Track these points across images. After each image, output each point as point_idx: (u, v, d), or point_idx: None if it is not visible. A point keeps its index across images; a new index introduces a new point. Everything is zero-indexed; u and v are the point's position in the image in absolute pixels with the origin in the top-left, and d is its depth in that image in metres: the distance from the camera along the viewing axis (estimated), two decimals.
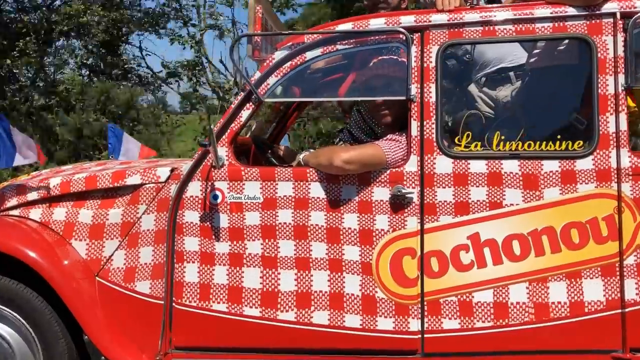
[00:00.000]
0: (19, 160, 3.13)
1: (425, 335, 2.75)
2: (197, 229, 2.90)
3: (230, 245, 2.88)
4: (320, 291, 2.81)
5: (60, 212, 3.07)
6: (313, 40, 2.88)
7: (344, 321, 2.78)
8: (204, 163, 2.92)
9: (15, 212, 3.16)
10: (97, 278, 2.98)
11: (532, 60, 2.97)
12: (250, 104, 2.92)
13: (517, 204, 2.74)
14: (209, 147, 2.74)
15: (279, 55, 2.92)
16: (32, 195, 3.13)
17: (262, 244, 2.85)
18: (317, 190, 2.83)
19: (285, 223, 2.84)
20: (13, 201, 3.17)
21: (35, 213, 3.11)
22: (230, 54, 2.93)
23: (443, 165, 2.76)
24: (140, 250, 2.96)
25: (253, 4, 2.96)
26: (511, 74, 3.20)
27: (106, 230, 3.00)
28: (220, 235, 2.89)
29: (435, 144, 2.77)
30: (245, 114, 2.92)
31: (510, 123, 2.88)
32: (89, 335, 2.84)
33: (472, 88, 3.12)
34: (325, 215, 2.82)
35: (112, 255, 2.98)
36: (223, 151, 2.90)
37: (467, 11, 2.82)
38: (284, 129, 3.98)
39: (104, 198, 3.05)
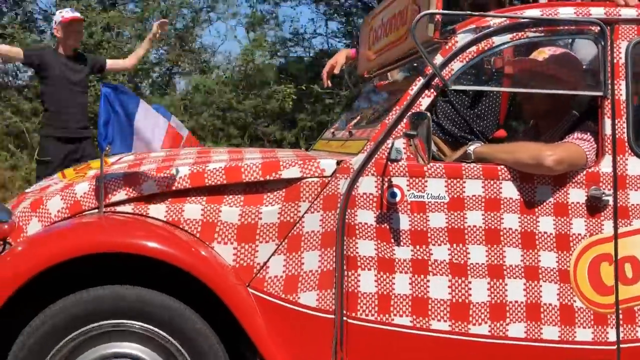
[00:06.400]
0: (138, 147, 2.52)
1: (621, 346, 2.60)
2: (373, 231, 2.52)
3: (412, 251, 2.53)
4: (516, 301, 2.55)
5: (193, 209, 2.52)
6: (500, 25, 2.63)
7: (542, 333, 2.55)
8: (377, 155, 2.55)
9: (125, 207, 2.55)
10: (248, 289, 2.49)
11: None
12: (432, 90, 2.60)
13: None
14: (416, 138, 2.38)
15: (462, 38, 2.62)
16: (149, 188, 2.55)
17: (449, 249, 2.54)
18: (509, 190, 2.58)
19: (475, 226, 2.55)
20: (120, 195, 2.55)
21: (157, 210, 2.53)
22: (412, 34, 2.56)
23: (635, 166, 2.63)
24: (303, 255, 2.51)
25: None
26: None
27: (259, 232, 2.51)
28: (401, 238, 2.53)
29: (627, 144, 2.63)
30: (425, 101, 2.60)
31: None
32: (263, 351, 2.35)
33: None
34: (519, 218, 2.57)
35: (268, 261, 2.50)
36: (401, 143, 2.56)
37: None
38: None
39: (247, 193, 2.56)
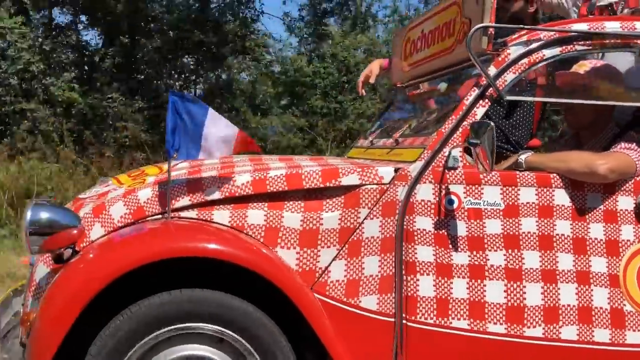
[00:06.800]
0: (206, 153, 2.56)
1: None
2: (431, 237, 2.60)
3: (469, 256, 2.61)
4: (568, 305, 2.64)
5: (256, 215, 2.58)
6: (550, 38, 2.72)
7: (593, 336, 2.64)
8: (434, 163, 2.63)
9: (189, 213, 2.60)
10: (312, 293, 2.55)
11: None
12: (486, 100, 2.68)
13: None
14: (479, 146, 2.45)
15: (515, 50, 2.71)
16: (212, 194, 2.60)
17: (505, 255, 2.62)
18: (561, 198, 2.66)
19: (529, 232, 2.64)
20: (184, 201, 2.60)
21: (221, 215, 2.59)
22: (468, 46, 2.65)
23: None
24: (363, 260, 2.58)
25: None
26: None
27: (321, 237, 2.57)
28: (458, 244, 2.61)
29: None
30: (479, 111, 2.68)
31: None
32: (332, 352, 2.41)
33: None
34: (571, 224, 2.66)
35: (329, 265, 2.57)
36: (457, 151, 2.64)
37: None
38: None
39: (307, 199, 2.62)
